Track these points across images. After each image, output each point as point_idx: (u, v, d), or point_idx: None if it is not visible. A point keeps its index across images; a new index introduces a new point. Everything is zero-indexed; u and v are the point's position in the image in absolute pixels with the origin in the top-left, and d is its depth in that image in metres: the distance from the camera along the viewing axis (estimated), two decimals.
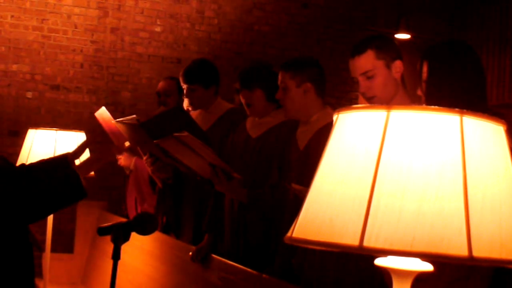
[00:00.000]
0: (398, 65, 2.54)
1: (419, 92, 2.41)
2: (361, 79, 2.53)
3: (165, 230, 4.17)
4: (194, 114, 3.92)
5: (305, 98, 2.96)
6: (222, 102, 3.91)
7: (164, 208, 4.16)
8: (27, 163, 3.85)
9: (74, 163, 2.37)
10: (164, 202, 4.25)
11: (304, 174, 2.79)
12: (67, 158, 2.37)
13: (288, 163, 3.03)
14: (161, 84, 4.89)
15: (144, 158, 4.05)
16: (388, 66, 2.53)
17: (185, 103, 4.33)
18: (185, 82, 3.80)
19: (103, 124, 4.37)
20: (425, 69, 2.36)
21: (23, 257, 2.35)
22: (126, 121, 3.58)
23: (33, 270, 2.41)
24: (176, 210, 4.02)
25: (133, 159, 4.66)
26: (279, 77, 3.02)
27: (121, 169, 4.99)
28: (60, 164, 2.32)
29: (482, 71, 2.39)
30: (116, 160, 4.79)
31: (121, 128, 3.80)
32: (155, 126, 3.39)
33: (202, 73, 3.80)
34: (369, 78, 2.51)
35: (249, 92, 3.33)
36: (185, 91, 3.82)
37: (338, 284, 2.66)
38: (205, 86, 3.78)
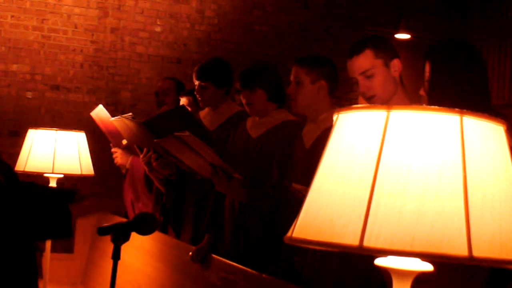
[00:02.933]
0: (396, 64, 2.54)
1: (422, 92, 2.41)
2: (360, 79, 2.53)
3: (162, 229, 4.17)
4: (202, 113, 3.92)
5: (317, 95, 2.96)
6: (231, 103, 3.90)
7: (168, 203, 4.16)
8: (27, 163, 3.86)
9: (78, 200, 2.40)
10: (162, 201, 4.25)
11: (309, 173, 2.78)
12: (73, 194, 2.39)
13: (290, 162, 3.03)
14: (159, 84, 4.92)
15: (141, 156, 4.04)
16: (387, 65, 2.53)
17: (182, 102, 4.33)
18: (197, 79, 3.78)
19: (100, 124, 4.37)
20: (427, 69, 2.36)
21: (26, 259, 2.35)
22: (127, 118, 3.58)
23: (36, 272, 2.41)
24: (178, 207, 4.02)
25: (130, 158, 4.65)
26: (293, 71, 3.01)
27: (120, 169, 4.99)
28: (60, 198, 2.34)
29: (484, 69, 2.38)
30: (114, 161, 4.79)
31: (119, 125, 3.80)
32: (159, 125, 3.39)
33: (215, 72, 3.78)
34: (369, 77, 2.51)
35: (250, 92, 3.32)
36: (196, 87, 3.81)
37: (338, 283, 2.66)
38: (216, 84, 3.77)
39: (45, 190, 2.49)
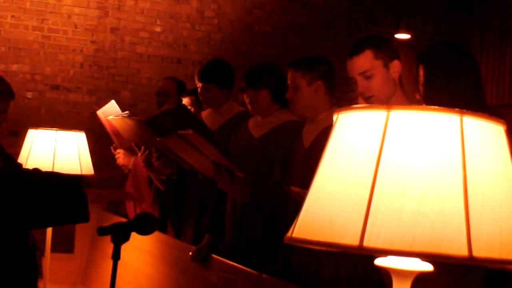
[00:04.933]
0: (396, 65, 2.54)
1: (418, 97, 2.41)
2: (359, 79, 2.53)
3: (161, 228, 4.17)
4: (204, 113, 3.92)
5: (315, 96, 2.95)
6: (233, 104, 3.90)
7: (168, 203, 4.16)
8: (27, 163, 3.87)
9: (86, 186, 2.40)
10: (161, 201, 4.25)
11: (308, 173, 2.78)
12: (81, 180, 2.40)
13: (291, 162, 3.02)
14: (160, 84, 4.90)
15: (139, 154, 4.04)
16: (386, 66, 2.53)
17: (184, 103, 4.33)
18: (200, 81, 3.78)
19: (105, 123, 4.36)
20: (421, 72, 2.36)
21: (25, 260, 2.35)
22: (128, 117, 3.58)
23: (37, 273, 2.42)
24: (179, 207, 4.02)
25: (132, 158, 4.65)
26: (289, 75, 2.99)
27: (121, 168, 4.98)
28: (73, 183, 2.35)
29: (477, 69, 2.39)
30: (118, 169, 4.78)
31: (119, 124, 3.80)
32: (161, 123, 3.39)
33: (218, 73, 3.78)
34: (368, 78, 2.51)
35: (255, 92, 3.31)
36: (199, 89, 3.81)
37: (335, 283, 2.66)
38: (220, 86, 3.77)
39: (54, 175, 2.50)
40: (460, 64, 2.33)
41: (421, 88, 2.37)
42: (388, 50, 2.55)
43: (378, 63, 2.52)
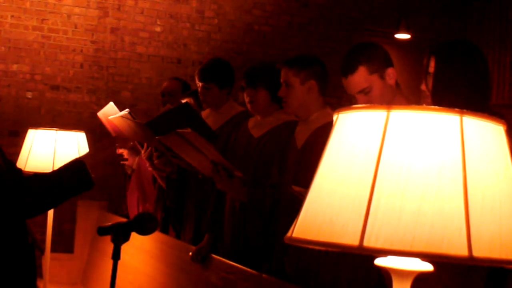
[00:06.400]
0: (390, 72, 2.54)
1: (423, 87, 2.41)
2: (358, 96, 2.54)
3: (163, 227, 4.17)
4: (204, 113, 3.92)
5: (308, 95, 2.95)
6: (233, 104, 3.90)
7: (169, 202, 4.16)
8: (27, 163, 3.88)
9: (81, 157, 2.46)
10: (164, 199, 4.26)
11: (301, 173, 2.78)
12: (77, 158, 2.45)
13: (286, 162, 3.03)
14: (165, 84, 4.91)
15: (142, 151, 4.04)
16: (382, 77, 2.53)
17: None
18: (200, 81, 3.78)
19: (106, 124, 4.36)
20: (432, 63, 2.36)
21: (24, 259, 2.35)
22: (127, 118, 3.59)
23: (35, 272, 2.42)
24: (179, 205, 4.02)
25: (136, 158, 4.65)
26: (282, 73, 3.00)
27: (121, 168, 4.99)
28: (70, 162, 2.40)
29: (487, 71, 2.40)
30: (117, 156, 4.77)
31: (119, 123, 3.80)
32: (161, 124, 3.40)
33: (218, 73, 3.78)
34: (367, 93, 2.51)
35: (254, 91, 3.31)
36: (199, 89, 3.81)
37: (335, 283, 2.66)
38: (220, 86, 3.77)
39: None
40: (471, 63, 2.34)
41: (430, 79, 2.36)
42: (380, 59, 2.54)
43: (374, 77, 2.51)
